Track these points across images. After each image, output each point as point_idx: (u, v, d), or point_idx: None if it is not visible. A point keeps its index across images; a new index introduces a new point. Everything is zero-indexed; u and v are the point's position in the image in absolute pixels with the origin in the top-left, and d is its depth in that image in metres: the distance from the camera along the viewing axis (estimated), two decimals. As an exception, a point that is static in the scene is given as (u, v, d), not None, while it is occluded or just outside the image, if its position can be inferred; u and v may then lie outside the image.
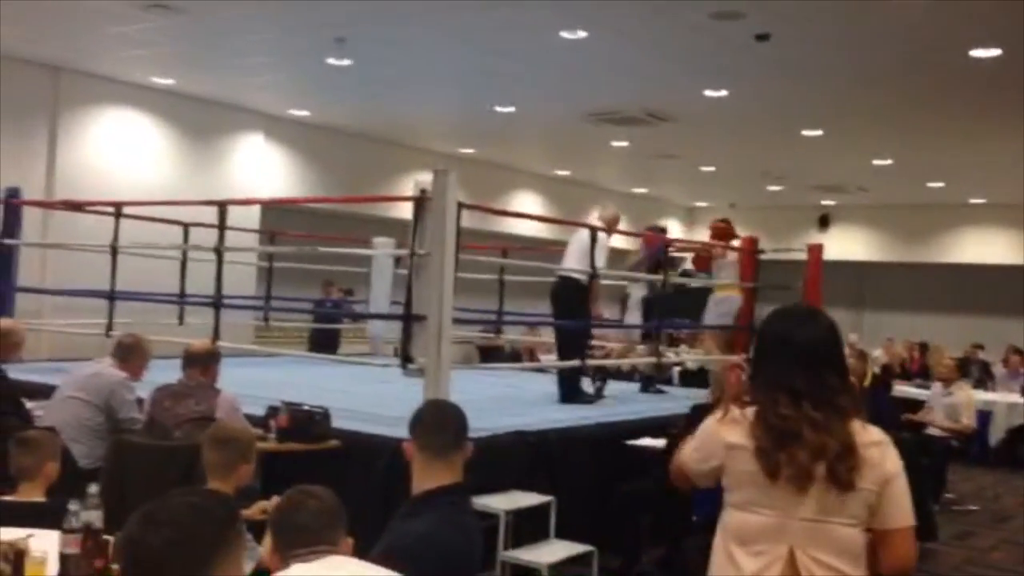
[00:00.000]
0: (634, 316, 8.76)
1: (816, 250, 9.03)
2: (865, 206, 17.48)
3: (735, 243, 9.01)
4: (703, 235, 16.55)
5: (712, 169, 14.81)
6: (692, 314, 8.99)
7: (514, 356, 11.83)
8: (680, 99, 10.03)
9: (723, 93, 9.64)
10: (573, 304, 7.15)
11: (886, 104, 9.85)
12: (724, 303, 8.66)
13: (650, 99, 10.20)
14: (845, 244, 17.35)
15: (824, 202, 17.62)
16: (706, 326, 8.86)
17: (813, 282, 8.79)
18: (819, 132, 11.35)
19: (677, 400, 7.79)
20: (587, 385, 7.64)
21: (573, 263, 7.22)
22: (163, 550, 1.49)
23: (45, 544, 2.61)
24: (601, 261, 7.10)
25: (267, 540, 2.40)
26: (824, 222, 18.17)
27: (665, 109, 10.55)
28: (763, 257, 9.19)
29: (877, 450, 2.17)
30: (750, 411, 2.23)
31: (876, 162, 13.20)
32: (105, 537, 2.46)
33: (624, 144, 12.79)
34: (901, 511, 2.17)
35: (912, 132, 11.29)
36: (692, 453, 2.36)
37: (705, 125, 11.22)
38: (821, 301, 8.79)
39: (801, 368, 2.20)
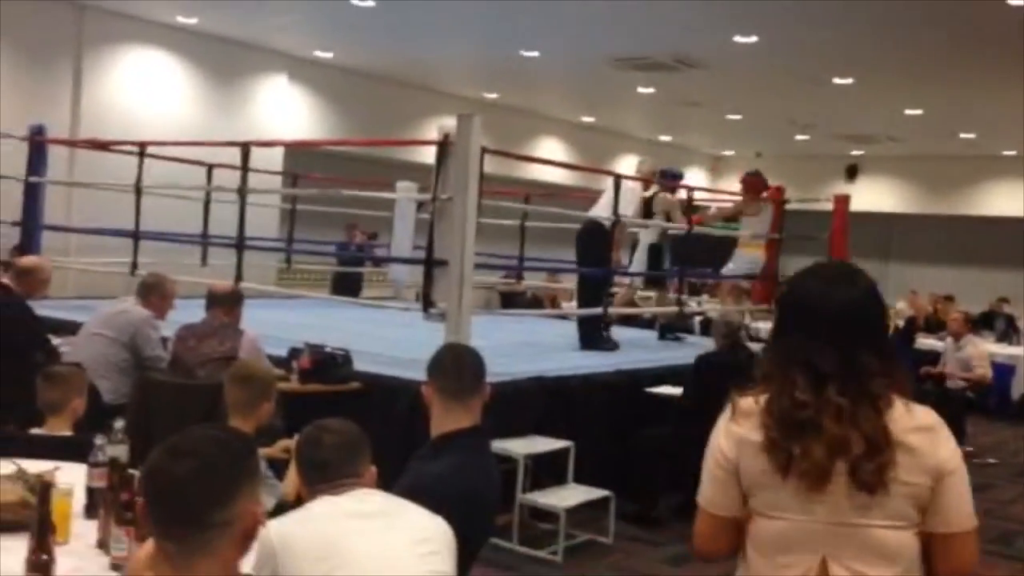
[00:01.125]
0: (639, 262, 8.68)
1: (843, 201, 8.94)
2: (894, 157, 17.23)
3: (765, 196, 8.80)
4: (728, 184, 16.41)
5: (739, 117, 14.63)
6: (712, 263, 8.93)
7: (535, 302, 11.84)
8: (709, 45, 9.87)
9: (753, 39, 9.46)
10: (595, 249, 7.13)
11: (920, 52, 9.65)
12: (750, 261, 8.53)
13: (678, 45, 10.04)
14: (873, 195, 17.14)
15: (853, 152, 17.38)
16: (726, 276, 8.79)
17: (839, 233, 8.71)
18: (850, 80, 11.16)
19: (696, 348, 7.77)
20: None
21: (602, 210, 7.19)
22: (187, 479, 1.52)
23: (71, 477, 2.66)
24: (630, 210, 7.05)
25: (291, 475, 2.44)
26: (852, 173, 17.94)
27: (693, 55, 10.39)
28: (789, 207, 9.10)
29: (926, 437, 1.76)
30: (764, 399, 1.82)
31: (907, 111, 12.98)
32: (130, 471, 2.50)
33: (650, 91, 12.63)
34: (960, 512, 1.77)
35: (945, 81, 11.07)
36: (704, 481, 1.91)
37: (734, 72, 11.05)
38: (847, 252, 8.72)
39: (827, 342, 1.79)
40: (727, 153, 19.25)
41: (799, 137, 15.93)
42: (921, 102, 12.45)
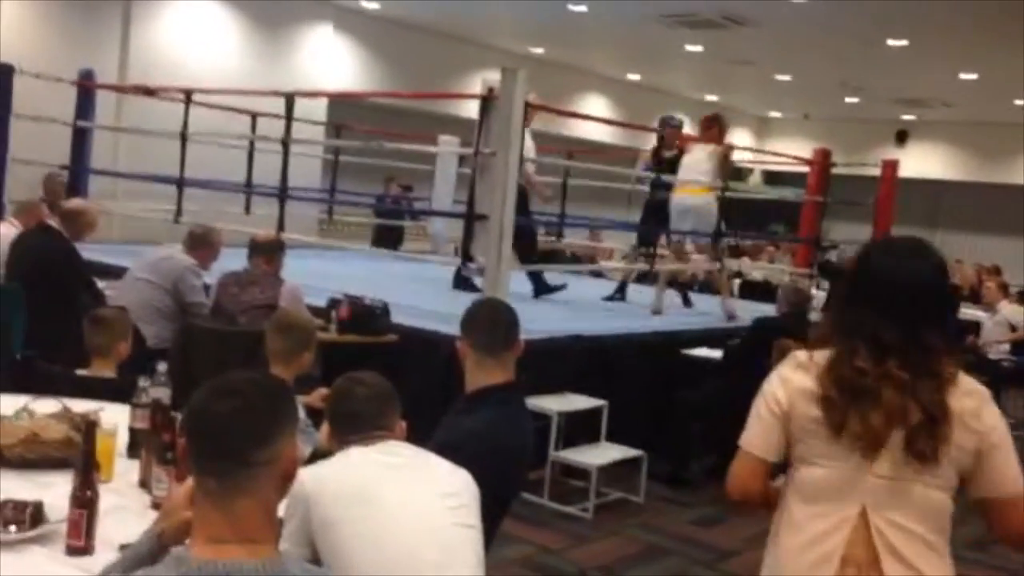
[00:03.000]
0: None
1: (891, 166, 8.78)
2: (946, 122, 16.84)
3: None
4: (775, 146, 16.15)
5: (788, 78, 14.37)
6: (753, 226, 8.78)
7: (575, 260, 11.80)
8: (760, 2, 9.67)
9: (806, -3, 9.27)
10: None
11: (978, 13, 9.38)
12: (705, 213, 7.12)
13: (728, 1, 9.84)
14: (922, 161, 16.78)
15: (903, 117, 17.02)
16: (756, 236, 8.55)
17: (885, 199, 8.56)
18: (904, 42, 10.89)
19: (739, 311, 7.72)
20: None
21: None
22: (230, 419, 1.54)
23: (115, 417, 2.72)
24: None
25: (324, 427, 2.48)
26: (902, 138, 17.59)
27: (743, 12, 10.19)
28: (835, 171, 8.96)
29: (972, 401, 1.83)
30: (821, 355, 1.88)
31: (962, 76, 12.66)
32: (172, 413, 2.56)
33: (698, 49, 12.43)
34: (1007, 476, 1.83)
35: (1003, 45, 10.74)
36: (750, 424, 1.95)
37: (785, 30, 10.83)
38: (893, 219, 8.58)
39: (894, 319, 1.82)
40: (775, 115, 18.94)
41: (849, 100, 15.62)
42: (977, 66, 12.13)
